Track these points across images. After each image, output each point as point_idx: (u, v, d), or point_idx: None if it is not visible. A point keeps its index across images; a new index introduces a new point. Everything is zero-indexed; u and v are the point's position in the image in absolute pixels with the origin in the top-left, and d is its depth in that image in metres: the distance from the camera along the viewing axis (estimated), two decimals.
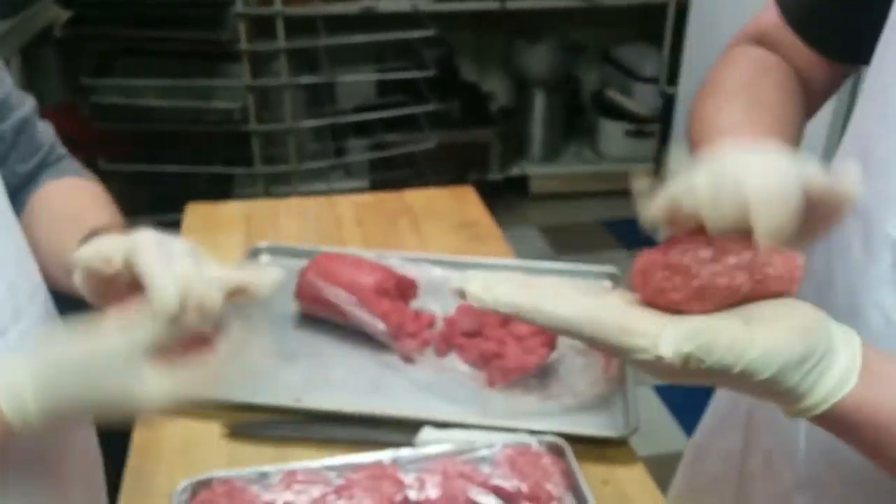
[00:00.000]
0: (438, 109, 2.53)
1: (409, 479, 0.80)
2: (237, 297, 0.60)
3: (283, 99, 2.45)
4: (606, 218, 3.11)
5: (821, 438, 0.56)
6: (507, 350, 0.98)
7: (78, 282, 0.61)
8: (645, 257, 0.50)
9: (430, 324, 1.08)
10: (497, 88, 3.42)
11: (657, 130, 3.20)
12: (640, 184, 0.48)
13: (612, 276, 1.20)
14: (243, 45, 2.29)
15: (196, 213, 1.40)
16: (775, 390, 0.44)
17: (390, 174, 2.82)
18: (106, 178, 0.85)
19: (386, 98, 2.74)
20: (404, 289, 1.10)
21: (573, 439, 0.84)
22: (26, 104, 0.77)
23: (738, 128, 0.60)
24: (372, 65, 2.81)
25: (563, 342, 1.00)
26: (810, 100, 0.71)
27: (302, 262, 1.11)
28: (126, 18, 2.29)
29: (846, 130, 0.66)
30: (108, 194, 0.81)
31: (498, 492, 0.78)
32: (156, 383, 0.54)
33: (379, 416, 0.91)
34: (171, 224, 0.78)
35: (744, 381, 0.44)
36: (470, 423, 0.89)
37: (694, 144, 0.63)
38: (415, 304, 1.11)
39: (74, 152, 0.85)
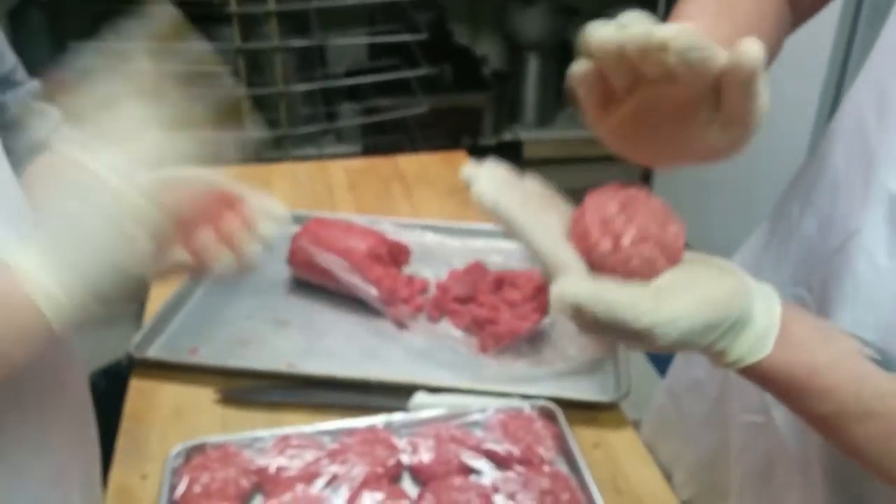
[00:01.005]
0: (431, 73, 2.50)
1: (402, 443, 0.80)
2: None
3: (273, 62, 2.42)
4: (600, 183, 3.10)
5: None
6: (499, 316, 0.98)
7: None
8: (587, 213, 0.50)
9: (423, 289, 1.08)
10: (490, 52, 3.39)
11: None
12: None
13: None
14: (233, 7, 2.25)
15: None
16: (689, 350, 0.48)
17: (382, 139, 2.80)
18: None
19: (377, 62, 2.71)
20: (397, 254, 1.10)
21: (565, 404, 0.85)
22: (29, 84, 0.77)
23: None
24: (363, 28, 2.78)
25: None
26: (798, 13, 0.69)
27: (294, 228, 1.11)
28: None
29: (859, 75, 0.65)
30: None
31: (490, 455, 0.79)
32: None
33: (372, 382, 0.91)
34: None
35: (649, 342, 0.46)
36: (462, 388, 0.89)
37: None
38: (407, 269, 1.11)
39: None
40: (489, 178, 0.51)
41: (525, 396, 0.86)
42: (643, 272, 0.48)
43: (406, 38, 2.45)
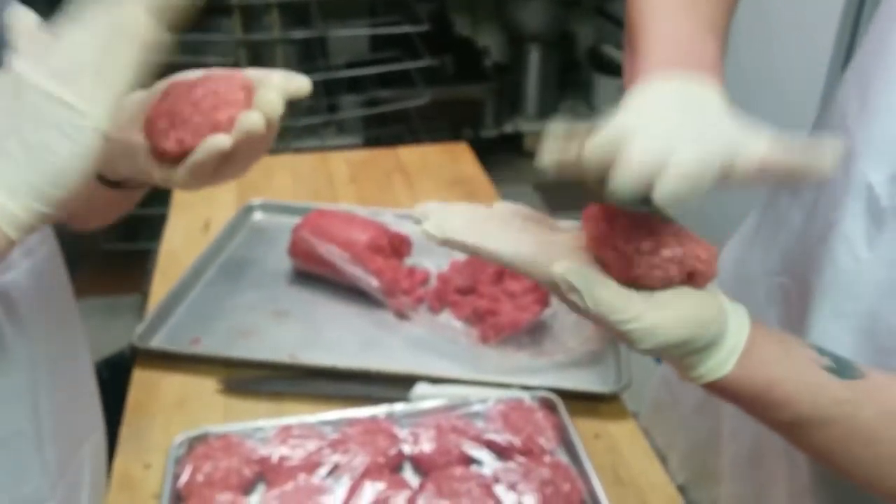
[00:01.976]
0: (432, 65, 2.50)
1: (403, 433, 0.80)
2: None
3: (275, 54, 2.42)
4: None
5: None
6: (500, 307, 0.99)
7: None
8: (593, 221, 0.53)
9: (424, 281, 1.08)
10: (491, 44, 3.38)
11: None
12: (555, 128, 0.53)
13: None
14: None
15: None
16: (661, 357, 0.51)
17: (384, 131, 2.80)
18: None
19: (379, 53, 2.71)
20: (398, 246, 1.10)
21: (565, 395, 0.85)
22: None
23: (677, 13, 0.60)
24: (364, 19, 2.77)
25: (556, 300, 1.01)
26: None
27: (295, 219, 1.11)
28: None
29: (846, 72, 0.66)
30: None
31: (491, 446, 0.79)
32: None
33: (373, 372, 0.91)
34: None
35: (628, 343, 0.50)
36: (463, 379, 0.90)
37: (629, 28, 0.64)
38: (408, 261, 1.11)
39: None
40: (437, 213, 0.55)
41: (526, 387, 0.87)
42: (656, 283, 0.50)
43: (407, 29, 2.45)
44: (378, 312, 1.03)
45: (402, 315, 1.02)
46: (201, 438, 0.79)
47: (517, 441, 0.79)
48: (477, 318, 1.00)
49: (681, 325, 0.49)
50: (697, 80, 0.51)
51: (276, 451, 0.77)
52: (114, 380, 0.92)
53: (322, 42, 2.85)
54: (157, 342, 0.97)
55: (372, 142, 2.84)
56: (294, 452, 0.77)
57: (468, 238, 0.52)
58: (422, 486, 0.75)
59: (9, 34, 0.52)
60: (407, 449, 0.79)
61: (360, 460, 0.76)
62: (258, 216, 1.26)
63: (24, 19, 0.53)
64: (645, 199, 0.45)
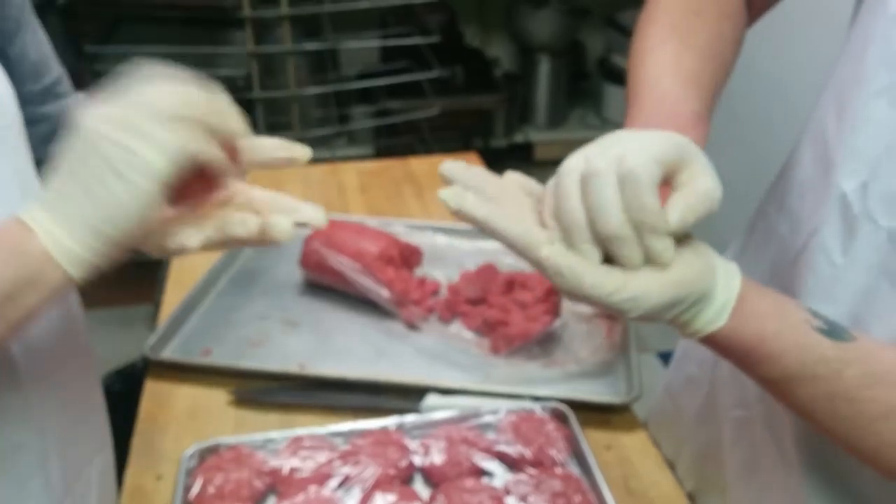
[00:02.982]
0: (442, 76, 2.51)
1: (413, 444, 0.80)
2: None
3: (286, 66, 2.43)
4: None
5: None
6: (510, 317, 0.98)
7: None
8: None
9: (435, 291, 1.08)
10: (501, 54, 3.39)
11: None
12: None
13: None
14: (246, 11, 2.26)
15: None
16: (657, 321, 0.53)
17: (394, 141, 2.80)
18: None
19: (389, 64, 2.72)
20: (408, 256, 1.11)
21: (576, 405, 0.85)
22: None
23: (662, 77, 0.66)
24: (375, 31, 2.78)
25: (566, 310, 1.01)
26: (753, 12, 0.75)
27: (306, 230, 1.11)
28: None
29: (827, 80, 0.68)
30: None
31: (502, 457, 0.79)
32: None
33: (384, 383, 0.91)
34: None
35: (619, 313, 0.52)
36: (474, 390, 0.90)
37: (628, 75, 0.69)
38: (419, 271, 1.12)
39: None
40: (459, 174, 0.60)
41: (536, 398, 0.87)
42: None
43: (418, 40, 2.46)
44: (389, 323, 1.03)
45: (412, 325, 1.02)
46: (212, 450, 0.79)
47: (528, 452, 0.79)
48: (487, 329, 1.00)
49: (665, 287, 0.51)
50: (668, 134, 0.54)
51: (286, 463, 0.77)
52: (126, 391, 0.92)
53: (333, 54, 2.86)
54: (169, 353, 0.98)
55: (383, 152, 2.85)
56: (305, 464, 0.77)
57: (479, 212, 0.56)
58: (432, 498, 0.75)
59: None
60: (417, 460, 0.79)
61: (371, 472, 0.76)
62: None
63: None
64: None
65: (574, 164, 0.52)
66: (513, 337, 0.96)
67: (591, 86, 3.46)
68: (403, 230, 1.15)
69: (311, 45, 2.45)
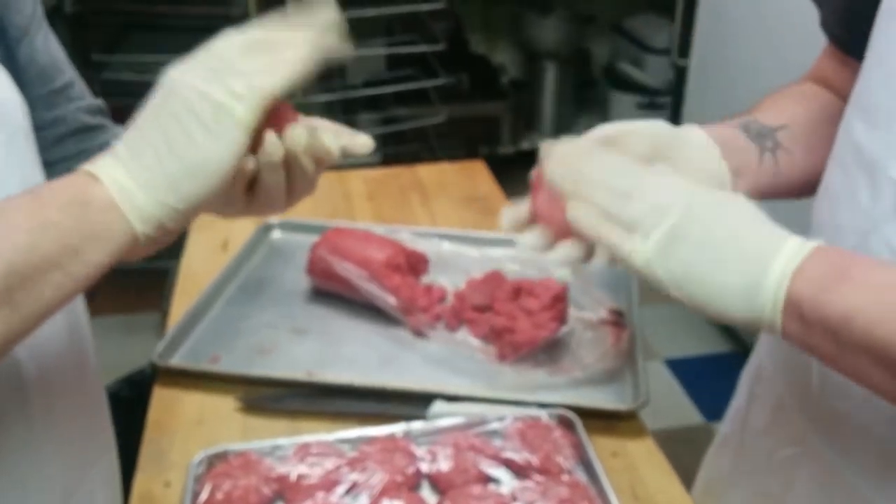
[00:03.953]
0: (448, 83, 2.51)
1: (420, 451, 0.81)
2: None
3: None
4: None
5: (833, 374, 0.62)
6: (517, 324, 0.99)
7: None
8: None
9: (441, 298, 1.08)
10: (507, 61, 3.40)
11: (669, 103, 3.18)
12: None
13: None
14: (252, 18, 2.28)
15: None
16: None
17: (401, 148, 2.81)
18: None
19: (396, 72, 2.73)
20: (415, 263, 1.11)
21: (583, 413, 0.85)
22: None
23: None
24: (381, 39, 2.79)
25: (573, 317, 1.01)
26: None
27: (313, 238, 1.12)
28: None
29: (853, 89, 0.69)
30: None
31: (509, 464, 0.79)
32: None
33: (390, 390, 0.92)
34: None
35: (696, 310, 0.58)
36: (481, 397, 0.90)
37: None
38: (426, 278, 1.12)
39: None
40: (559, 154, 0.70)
41: (543, 405, 0.87)
42: None
43: (424, 48, 2.47)
44: (395, 330, 1.03)
45: (419, 333, 1.03)
46: (221, 456, 0.80)
47: (535, 459, 0.79)
48: (494, 336, 1.00)
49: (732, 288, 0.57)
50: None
51: (294, 470, 0.77)
52: (134, 398, 0.93)
53: (339, 61, 2.87)
54: (177, 360, 0.98)
55: (389, 160, 2.85)
56: (312, 471, 0.77)
57: (563, 184, 0.70)
58: None
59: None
60: (424, 467, 0.79)
61: (378, 478, 0.76)
62: (276, 235, 1.27)
63: None
64: None
65: None
66: (519, 344, 0.96)
67: (597, 93, 3.46)
68: (410, 237, 1.16)
69: None
